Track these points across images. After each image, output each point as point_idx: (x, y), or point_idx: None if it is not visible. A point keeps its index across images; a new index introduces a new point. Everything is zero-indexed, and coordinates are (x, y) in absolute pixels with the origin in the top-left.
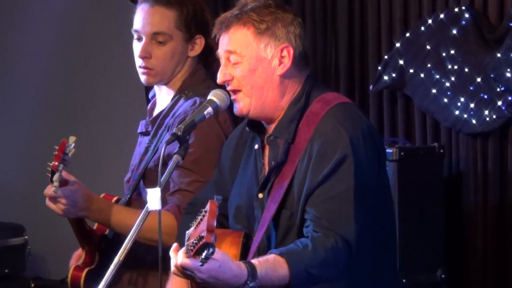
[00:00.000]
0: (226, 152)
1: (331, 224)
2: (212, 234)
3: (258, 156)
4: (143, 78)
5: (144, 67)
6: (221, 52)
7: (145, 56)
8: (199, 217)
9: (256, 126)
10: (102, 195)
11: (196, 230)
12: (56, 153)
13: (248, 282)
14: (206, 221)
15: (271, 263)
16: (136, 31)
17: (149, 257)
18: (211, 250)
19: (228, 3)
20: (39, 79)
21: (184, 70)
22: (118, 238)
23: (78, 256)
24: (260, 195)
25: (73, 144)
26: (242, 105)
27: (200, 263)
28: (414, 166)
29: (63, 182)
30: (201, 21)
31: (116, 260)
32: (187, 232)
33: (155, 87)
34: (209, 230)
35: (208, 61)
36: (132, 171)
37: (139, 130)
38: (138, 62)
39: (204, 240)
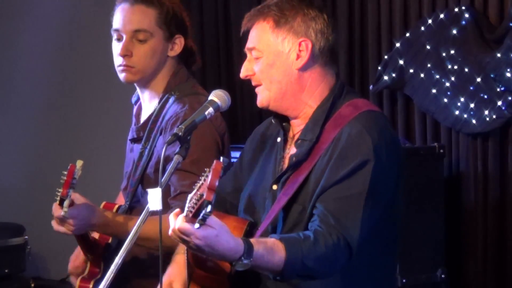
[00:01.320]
0: (249, 144)
1: (337, 223)
2: (212, 193)
3: (279, 149)
4: (122, 75)
5: (125, 65)
6: (246, 47)
7: (125, 54)
8: (202, 178)
9: (282, 118)
10: (103, 203)
11: (196, 193)
12: (65, 179)
13: (242, 258)
14: (209, 179)
15: (269, 246)
16: (116, 30)
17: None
18: (209, 208)
19: (228, 3)
20: (40, 79)
21: (166, 70)
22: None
23: (76, 257)
24: (274, 187)
25: (81, 169)
26: (261, 98)
27: (197, 225)
28: (414, 166)
29: (70, 203)
30: (180, 20)
31: (116, 260)
32: (189, 195)
33: (138, 90)
34: (210, 188)
35: (189, 62)
36: (128, 178)
37: (129, 137)
38: (118, 61)
39: (204, 198)
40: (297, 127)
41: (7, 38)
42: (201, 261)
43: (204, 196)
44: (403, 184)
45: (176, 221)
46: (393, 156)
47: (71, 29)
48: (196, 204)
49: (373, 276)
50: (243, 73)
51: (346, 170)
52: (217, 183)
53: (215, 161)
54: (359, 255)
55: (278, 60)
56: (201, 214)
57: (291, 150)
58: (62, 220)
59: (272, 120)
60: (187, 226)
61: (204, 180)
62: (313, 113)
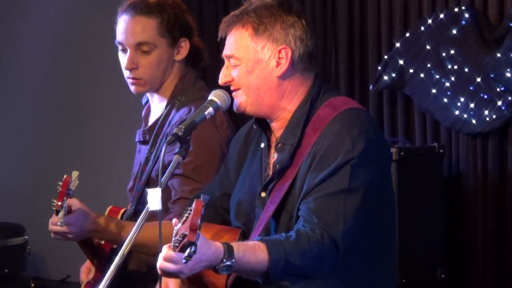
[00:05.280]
0: (233, 147)
1: (320, 221)
2: (195, 233)
3: (264, 155)
4: (132, 88)
5: (133, 78)
6: (223, 55)
7: (132, 67)
8: (186, 214)
9: (263, 123)
10: (110, 207)
11: (182, 227)
12: (60, 189)
13: (224, 260)
14: (190, 220)
15: (250, 246)
16: (119, 43)
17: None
18: (193, 248)
19: (228, 3)
20: (40, 79)
21: (173, 75)
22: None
23: (86, 269)
24: (263, 194)
25: (77, 179)
26: (239, 103)
27: (184, 261)
28: (414, 166)
29: (67, 211)
30: (183, 24)
31: (116, 260)
32: (175, 227)
33: (148, 93)
34: (192, 229)
35: (196, 61)
36: (134, 179)
37: (136, 139)
38: (126, 73)
39: (186, 239)
40: (277, 131)
41: (8, 39)
42: (196, 280)
43: (187, 237)
44: (390, 180)
45: (165, 253)
46: (376, 153)
47: (73, 28)
48: (180, 240)
49: (370, 279)
50: (221, 80)
51: (327, 171)
52: (198, 222)
53: (195, 200)
54: (350, 255)
55: (257, 68)
56: (187, 253)
57: (275, 155)
58: (58, 233)
59: (254, 126)
60: (174, 254)
61: (187, 217)
62: (291, 116)
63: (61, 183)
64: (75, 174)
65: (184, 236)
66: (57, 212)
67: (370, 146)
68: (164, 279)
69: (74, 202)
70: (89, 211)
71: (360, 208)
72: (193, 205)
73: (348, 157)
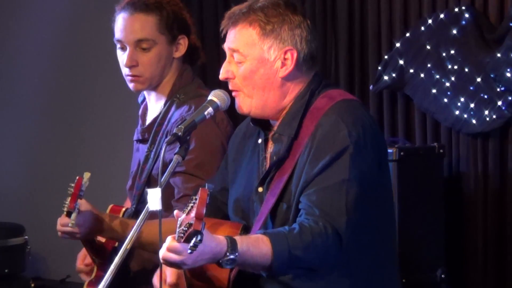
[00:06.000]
0: (232, 143)
1: (323, 213)
2: (200, 222)
3: (260, 150)
4: (131, 85)
5: (132, 75)
6: (226, 47)
7: (132, 65)
8: (190, 204)
9: (260, 121)
10: (111, 206)
11: (186, 217)
12: (72, 191)
13: (227, 253)
14: (196, 209)
15: (253, 239)
16: (118, 40)
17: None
18: (199, 237)
19: (229, 1)
20: (40, 80)
21: (172, 73)
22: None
23: (84, 256)
24: (260, 189)
25: (88, 180)
26: (242, 105)
27: (189, 251)
28: (414, 166)
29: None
30: (182, 21)
31: (116, 260)
32: (179, 218)
33: (144, 92)
34: (198, 217)
35: (193, 59)
36: (133, 178)
37: (135, 138)
38: (125, 71)
39: (192, 228)
40: (276, 126)
41: (8, 38)
42: (198, 273)
43: (193, 226)
44: (388, 171)
45: (168, 243)
46: (371, 141)
47: (73, 28)
48: (186, 230)
49: (373, 273)
50: (222, 75)
51: (325, 161)
52: (204, 211)
53: (200, 189)
54: (353, 248)
55: (262, 67)
56: (193, 242)
57: (272, 147)
58: (68, 233)
59: (251, 123)
60: (178, 245)
61: (192, 207)
62: (289, 108)
63: (73, 185)
64: (87, 175)
65: (189, 225)
66: (68, 213)
67: (366, 136)
68: (163, 268)
69: (83, 203)
70: (97, 212)
71: (360, 198)
72: (198, 194)
73: (345, 145)
